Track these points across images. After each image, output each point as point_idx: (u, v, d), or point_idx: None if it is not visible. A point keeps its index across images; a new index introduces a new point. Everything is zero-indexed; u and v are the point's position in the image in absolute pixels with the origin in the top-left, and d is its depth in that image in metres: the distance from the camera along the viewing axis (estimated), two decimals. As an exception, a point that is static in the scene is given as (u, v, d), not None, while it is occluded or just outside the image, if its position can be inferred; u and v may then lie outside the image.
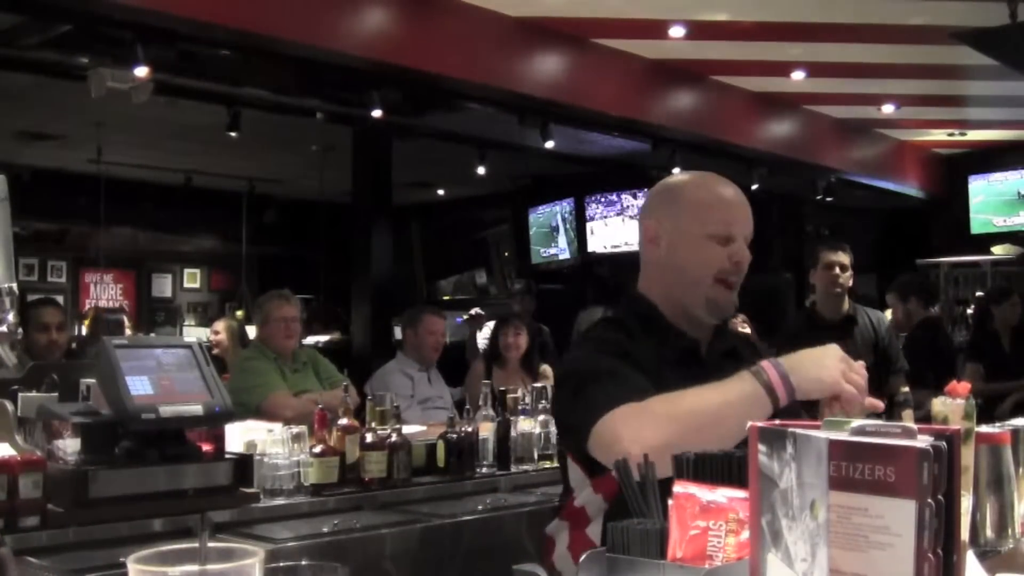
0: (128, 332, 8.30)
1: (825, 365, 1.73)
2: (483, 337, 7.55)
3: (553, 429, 3.92)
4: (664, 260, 2.00)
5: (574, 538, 1.92)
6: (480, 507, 3.34)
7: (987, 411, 5.25)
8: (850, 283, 4.91)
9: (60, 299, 10.47)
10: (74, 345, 8.48)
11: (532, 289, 9.12)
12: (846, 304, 4.92)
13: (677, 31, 6.19)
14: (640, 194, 10.65)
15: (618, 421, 1.71)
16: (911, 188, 9.97)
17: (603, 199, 10.88)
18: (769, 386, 1.69)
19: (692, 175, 2.10)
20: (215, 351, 6.67)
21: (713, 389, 1.73)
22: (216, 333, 7.14)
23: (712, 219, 1.95)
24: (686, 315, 1.99)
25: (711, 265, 1.94)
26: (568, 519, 1.96)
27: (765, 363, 1.72)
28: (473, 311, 8.42)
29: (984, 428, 1.56)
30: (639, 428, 1.66)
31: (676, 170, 8.35)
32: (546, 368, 5.79)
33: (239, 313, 9.92)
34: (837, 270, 4.84)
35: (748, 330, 6.87)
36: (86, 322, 9.72)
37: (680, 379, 1.83)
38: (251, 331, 7.46)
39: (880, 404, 1.78)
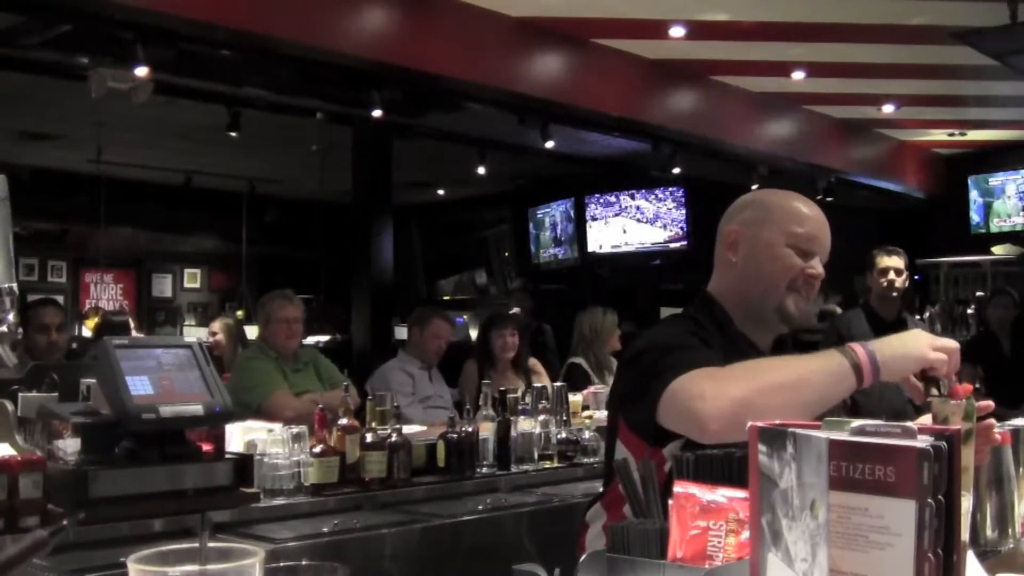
0: (135, 333, 8.31)
1: (909, 342, 1.73)
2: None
3: (553, 429, 3.92)
4: (740, 266, 2.05)
5: (612, 519, 1.92)
6: (480, 507, 3.34)
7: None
8: (905, 285, 5.09)
9: (60, 299, 10.49)
10: (75, 345, 8.49)
11: (529, 287, 9.11)
12: (899, 306, 5.13)
13: (677, 31, 6.19)
14: (639, 194, 10.66)
15: (701, 377, 1.72)
16: (911, 188, 9.97)
17: (603, 199, 10.88)
18: (856, 363, 1.68)
19: (782, 191, 2.14)
20: (214, 352, 6.68)
21: (799, 359, 1.76)
22: (214, 334, 7.15)
23: (796, 231, 2.00)
24: (755, 322, 2.04)
25: (787, 273, 1.99)
26: (608, 506, 1.98)
27: (852, 344, 1.72)
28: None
29: (984, 428, 1.55)
30: (722, 384, 1.67)
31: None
32: (535, 363, 5.78)
33: (239, 313, 9.92)
34: (892, 274, 5.02)
35: None
36: (87, 323, 9.74)
37: None
38: (250, 330, 7.50)
39: (991, 404, 1.75)
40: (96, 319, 9.92)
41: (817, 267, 2.02)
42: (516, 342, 5.60)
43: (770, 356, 2.01)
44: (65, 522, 1.06)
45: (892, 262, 5.01)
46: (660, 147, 7.57)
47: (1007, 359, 6.53)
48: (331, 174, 9.35)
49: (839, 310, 9.57)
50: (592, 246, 10.89)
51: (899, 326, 5.06)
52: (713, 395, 1.65)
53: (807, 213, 2.04)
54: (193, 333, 11.26)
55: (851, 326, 5.12)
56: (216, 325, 7.36)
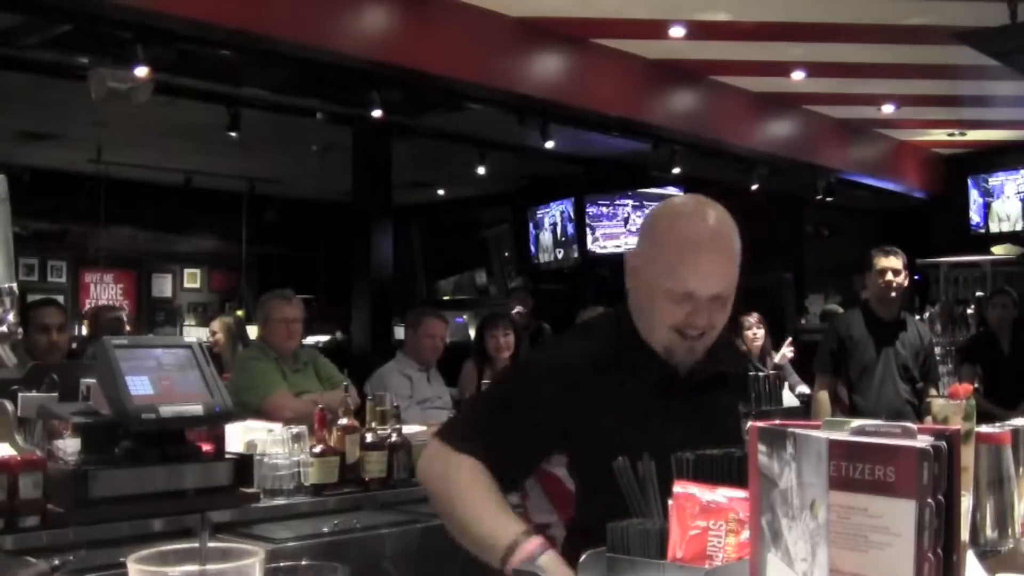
0: (128, 329, 8.31)
1: None
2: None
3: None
4: (633, 294, 1.90)
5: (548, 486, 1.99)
6: (480, 507, 3.33)
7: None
8: (904, 285, 5.10)
9: (60, 299, 10.48)
10: (74, 345, 8.49)
11: (529, 287, 9.09)
12: (899, 306, 5.13)
13: (677, 31, 6.19)
14: (639, 194, 10.66)
15: (430, 452, 1.90)
16: (911, 188, 9.97)
17: (603, 199, 10.89)
18: (513, 550, 1.65)
19: (675, 213, 1.89)
20: (215, 349, 6.69)
21: (486, 509, 1.76)
22: (214, 333, 7.15)
23: (671, 274, 1.79)
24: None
25: (665, 319, 1.82)
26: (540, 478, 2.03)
27: (537, 539, 1.67)
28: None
29: (984, 428, 1.56)
30: (429, 471, 1.88)
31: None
32: None
33: (239, 312, 9.92)
34: (890, 275, 5.02)
35: (762, 329, 6.88)
36: (88, 323, 9.73)
37: (657, 405, 1.83)
38: (251, 330, 7.51)
39: None
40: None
41: (697, 314, 1.80)
42: (511, 342, 5.60)
43: (686, 376, 1.88)
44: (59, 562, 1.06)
45: (890, 263, 5.02)
46: (660, 147, 7.57)
47: (1007, 359, 6.53)
48: (331, 174, 9.35)
49: (840, 310, 9.58)
50: (592, 246, 10.90)
51: (898, 326, 5.07)
52: (425, 474, 1.89)
53: (689, 250, 1.79)
54: (193, 333, 11.25)
55: (850, 326, 5.14)
56: (215, 324, 7.37)
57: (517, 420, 1.83)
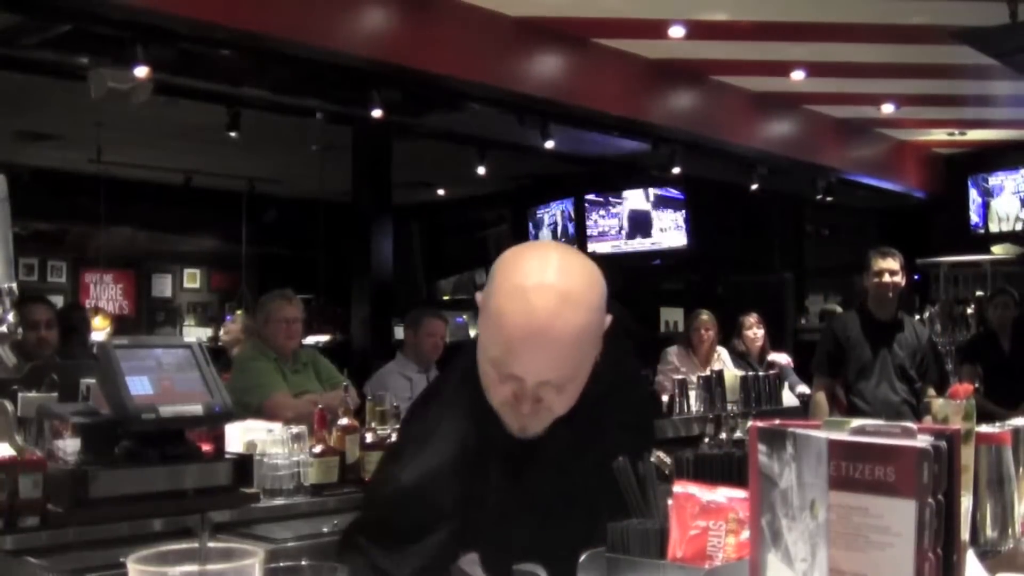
0: (96, 328, 8.33)
1: None
2: None
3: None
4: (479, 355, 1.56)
5: None
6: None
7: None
8: (901, 286, 5.12)
9: (60, 299, 10.49)
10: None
11: None
12: (896, 307, 5.14)
13: (677, 31, 6.19)
14: (639, 194, 10.66)
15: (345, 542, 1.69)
16: (911, 188, 9.97)
17: (603, 199, 10.89)
18: None
19: (514, 272, 1.51)
20: (235, 349, 6.74)
21: None
22: (227, 333, 7.23)
23: (493, 347, 1.49)
24: None
25: (496, 394, 1.52)
26: None
27: None
28: None
29: (984, 428, 1.56)
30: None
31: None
32: None
33: (238, 312, 9.92)
34: (887, 276, 5.04)
35: (762, 330, 6.89)
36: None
37: (513, 472, 1.58)
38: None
39: None
40: (101, 319, 9.93)
41: (525, 399, 1.49)
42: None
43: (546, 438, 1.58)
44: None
45: (887, 264, 5.03)
46: (660, 147, 7.58)
47: (1007, 359, 6.53)
48: (331, 174, 9.35)
49: (839, 310, 9.58)
50: (592, 246, 10.90)
51: (896, 327, 5.08)
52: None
53: (512, 327, 1.46)
54: (193, 333, 11.26)
55: (847, 327, 5.15)
56: (233, 324, 7.45)
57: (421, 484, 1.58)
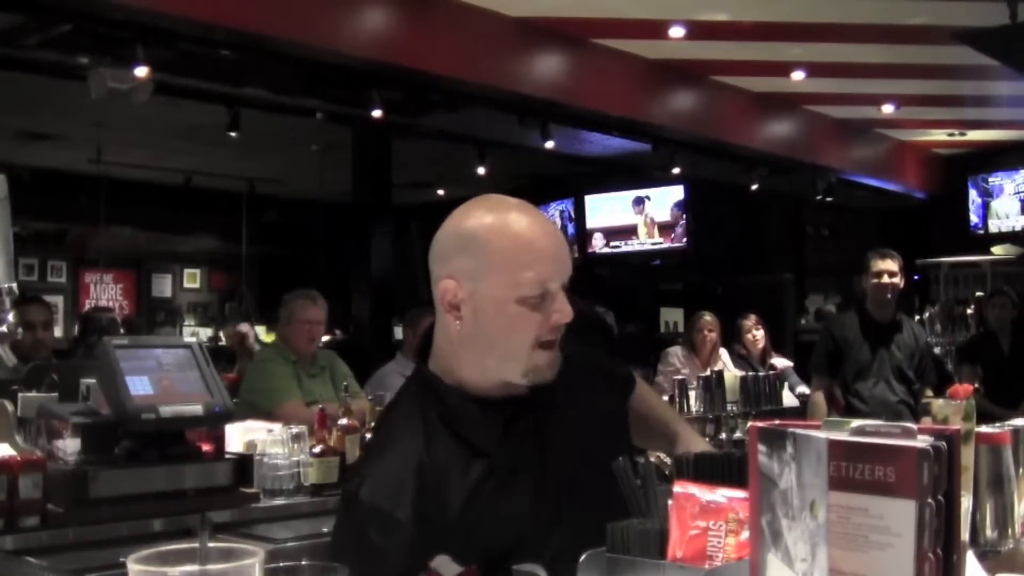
0: (121, 331, 8.34)
1: None
2: None
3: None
4: (471, 331, 1.58)
5: None
6: (480, 507, 3.33)
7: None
8: (900, 287, 5.11)
9: (60, 299, 10.50)
10: (70, 345, 8.49)
11: None
12: (895, 308, 5.14)
13: (677, 31, 6.19)
14: (639, 194, 10.66)
15: None
16: (911, 188, 9.98)
17: (603, 199, 10.89)
18: None
19: (494, 212, 1.59)
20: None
21: None
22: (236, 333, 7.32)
23: (522, 279, 1.54)
24: (503, 385, 1.60)
25: (528, 335, 1.56)
26: None
27: None
28: None
29: (984, 428, 1.56)
30: None
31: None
32: None
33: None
34: (886, 277, 5.03)
35: (761, 331, 6.88)
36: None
37: (511, 448, 1.59)
38: (258, 329, 7.64)
39: None
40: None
41: (560, 309, 1.56)
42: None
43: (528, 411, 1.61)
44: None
45: (885, 265, 5.03)
46: (660, 147, 7.58)
47: (1006, 359, 6.53)
48: (331, 174, 9.36)
49: (834, 310, 9.58)
50: (592, 246, 10.90)
51: (894, 328, 5.08)
52: None
53: (530, 244, 1.55)
54: (193, 333, 11.26)
55: (845, 328, 5.15)
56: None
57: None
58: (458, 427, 1.58)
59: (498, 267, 1.55)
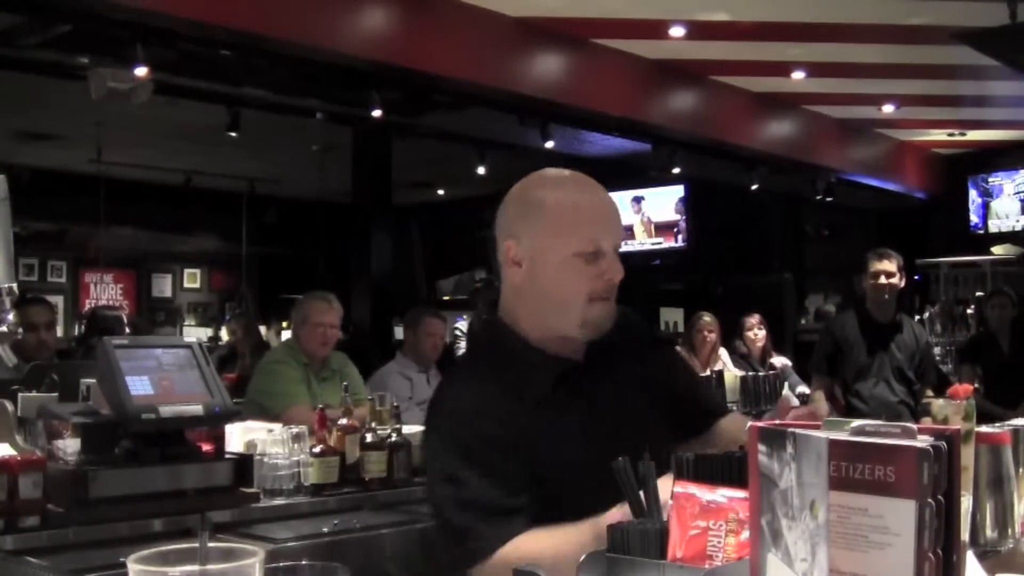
0: (127, 331, 8.32)
1: None
2: None
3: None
4: (529, 285, 1.76)
5: None
6: (480, 507, 3.33)
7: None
8: (899, 287, 5.11)
9: (60, 299, 10.50)
10: (73, 344, 8.49)
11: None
12: (895, 308, 5.14)
13: (677, 31, 6.19)
14: (639, 194, 10.66)
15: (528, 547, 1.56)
16: (911, 188, 9.98)
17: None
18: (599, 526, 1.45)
19: (552, 180, 1.83)
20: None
21: (567, 534, 1.52)
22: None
23: (576, 234, 1.72)
24: (560, 340, 1.77)
25: (582, 288, 1.72)
26: None
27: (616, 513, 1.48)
28: None
29: (984, 428, 1.56)
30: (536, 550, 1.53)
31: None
32: None
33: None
34: (883, 278, 5.04)
35: (763, 331, 6.89)
36: (84, 321, 9.75)
37: (561, 404, 1.71)
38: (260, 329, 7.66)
39: None
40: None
41: (612, 267, 1.73)
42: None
43: (586, 364, 1.77)
44: None
45: (884, 266, 5.03)
46: (660, 147, 7.58)
47: (1006, 359, 6.53)
48: (331, 174, 9.35)
49: (834, 310, 9.57)
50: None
51: (894, 328, 5.08)
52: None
53: (586, 206, 1.76)
54: (193, 333, 11.25)
55: (845, 328, 5.15)
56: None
57: (496, 484, 1.63)
58: (513, 370, 1.74)
59: (554, 225, 1.73)
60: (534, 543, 1.57)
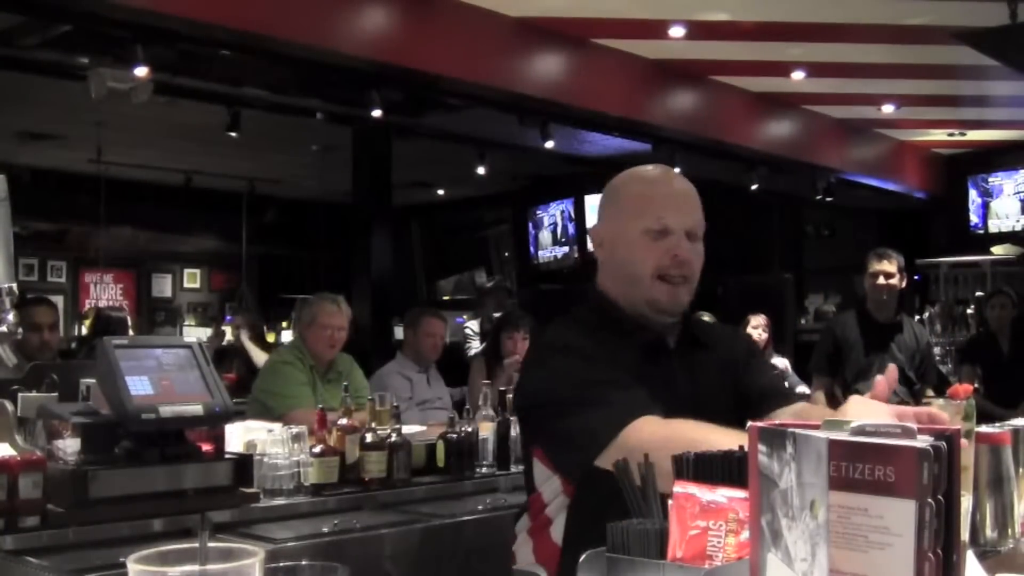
0: (131, 333, 8.33)
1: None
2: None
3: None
4: (608, 263, 2.02)
5: (538, 544, 1.93)
6: (480, 507, 3.34)
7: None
8: (900, 287, 5.13)
9: (60, 299, 10.49)
10: (74, 345, 8.49)
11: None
12: (895, 308, 5.16)
13: (677, 31, 6.19)
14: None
15: (644, 434, 1.65)
16: (911, 188, 9.97)
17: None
18: None
19: (632, 172, 2.05)
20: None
21: (722, 435, 1.56)
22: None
23: (644, 213, 1.93)
24: (641, 316, 1.98)
25: (648, 262, 1.92)
26: (533, 530, 1.96)
27: None
28: None
29: (984, 428, 1.56)
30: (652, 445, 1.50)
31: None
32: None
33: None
34: (883, 278, 5.06)
35: (766, 335, 6.89)
36: (87, 323, 9.75)
37: (647, 373, 1.85)
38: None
39: None
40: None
41: (679, 246, 1.93)
42: (525, 346, 5.57)
43: (675, 343, 2.00)
44: None
45: (884, 266, 5.04)
46: (660, 147, 7.57)
47: (1006, 359, 6.54)
48: (331, 174, 9.35)
49: (834, 310, 9.57)
50: (591, 246, 10.88)
51: (894, 328, 5.08)
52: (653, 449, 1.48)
53: (654, 188, 1.98)
54: (193, 333, 11.25)
55: (845, 328, 5.16)
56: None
57: (608, 371, 1.82)
58: (610, 328, 1.94)
59: (627, 206, 1.97)
60: (655, 425, 1.68)
